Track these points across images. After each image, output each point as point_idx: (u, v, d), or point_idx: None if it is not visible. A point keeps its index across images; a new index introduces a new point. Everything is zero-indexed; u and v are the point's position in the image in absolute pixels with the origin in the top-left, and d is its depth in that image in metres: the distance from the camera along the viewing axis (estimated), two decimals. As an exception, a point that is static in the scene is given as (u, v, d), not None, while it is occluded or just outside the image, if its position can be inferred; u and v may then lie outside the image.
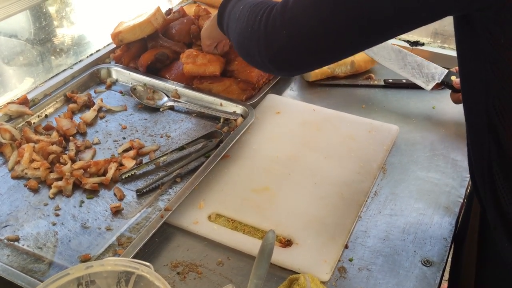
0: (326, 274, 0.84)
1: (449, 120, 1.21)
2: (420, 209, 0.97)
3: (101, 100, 1.23)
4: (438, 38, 1.45)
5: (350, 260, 0.87)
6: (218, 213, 0.96)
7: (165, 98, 1.25)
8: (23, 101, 1.15)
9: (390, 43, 1.28)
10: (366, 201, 0.99)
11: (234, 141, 1.09)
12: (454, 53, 1.40)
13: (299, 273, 0.82)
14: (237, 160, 1.09)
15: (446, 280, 2.15)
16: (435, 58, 1.42)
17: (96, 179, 1.01)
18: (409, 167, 1.07)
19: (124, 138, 1.14)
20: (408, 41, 1.46)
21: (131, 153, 1.08)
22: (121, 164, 1.05)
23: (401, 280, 0.84)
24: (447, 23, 1.42)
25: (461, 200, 0.99)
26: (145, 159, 1.08)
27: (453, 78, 1.21)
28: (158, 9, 1.34)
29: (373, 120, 1.19)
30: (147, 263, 0.71)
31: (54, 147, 1.06)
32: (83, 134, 1.15)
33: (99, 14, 1.57)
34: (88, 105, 1.22)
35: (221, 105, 1.22)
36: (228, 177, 1.04)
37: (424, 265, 0.85)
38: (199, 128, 1.18)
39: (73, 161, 1.05)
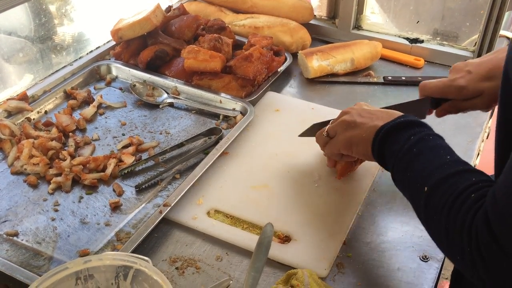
0: (325, 270, 0.84)
1: (448, 116, 1.20)
2: (418, 205, 0.97)
3: (101, 97, 1.23)
4: (437, 36, 1.45)
5: (349, 256, 0.87)
6: (217, 209, 0.96)
7: (165, 95, 1.25)
8: (23, 97, 1.16)
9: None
10: (365, 198, 0.99)
11: (234, 138, 1.10)
12: (453, 50, 1.41)
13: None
14: (236, 157, 1.09)
15: (446, 278, 2.15)
16: (434, 55, 1.42)
17: (95, 175, 1.01)
18: (408, 164, 1.07)
19: (123, 135, 1.14)
20: (407, 38, 1.46)
21: (131, 149, 1.08)
22: (120, 160, 1.05)
23: (399, 275, 0.84)
24: (448, 23, 1.42)
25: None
26: (144, 156, 1.08)
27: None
28: (158, 6, 1.34)
29: (372, 117, 1.19)
30: (145, 258, 0.71)
31: (54, 143, 1.07)
32: (83, 130, 1.15)
33: (99, 11, 1.57)
34: (87, 101, 1.22)
35: (220, 102, 1.22)
36: (227, 173, 1.05)
37: (422, 260, 0.86)
38: (198, 125, 1.18)
39: (73, 157, 1.05)
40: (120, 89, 1.30)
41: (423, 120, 0.81)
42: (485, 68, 0.92)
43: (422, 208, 0.71)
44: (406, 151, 0.75)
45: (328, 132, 0.94)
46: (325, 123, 0.99)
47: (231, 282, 0.82)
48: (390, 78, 1.35)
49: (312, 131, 1.04)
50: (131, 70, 1.32)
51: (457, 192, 0.66)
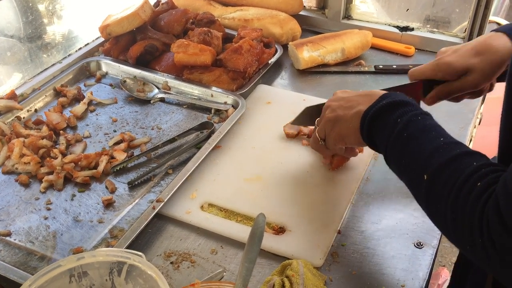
0: (320, 260, 0.84)
1: (440, 104, 1.20)
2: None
3: (91, 93, 1.22)
4: (428, 23, 1.45)
5: (343, 245, 0.87)
6: (211, 202, 0.96)
7: (156, 90, 1.25)
8: (11, 96, 1.15)
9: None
10: (358, 187, 0.99)
11: (226, 131, 1.09)
12: (443, 37, 1.41)
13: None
14: (228, 151, 1.08)
15: (443, 266, 2.16)
16: (425, 43, 1.42)
17: (87, 173, 1.01)
18: (400, 152, 1.07)
19: (115, 131, 1.13)
20: (397, 27, 1.45)
21: (122, 145, 1.07)
22: (112, 157, 1.05)
23: (393, 262, 0.84)
24: (439, 9, 1.42)
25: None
26: (136, 152, 1.07)
27: None
28: (146, 1, 1.33)
29: (364, 107, 1.19)
30: (139, 253, 0.71)
31: (44, 141, 1.06)
32: (74, 128, 1.14)
33: (87, 8, 1.55)
34: (78, 98, 1.21)
35: (212, 96, 1.21)
36: (220, 167, 1.04)
37: (416, 247, 0.86)
38: (190, 119, 1.18)
39: (64, 155, 1.05)
40: (111, 85, 1.29)
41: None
42: (471, 45, 0.91)
43: (423, 197, 0.69)
44: (396, 137, 0.74)
45: (319, 135, 0.93)
46: (319, 106, 0.96)
47: (224, 274, 0.82)
48: (381, 66, 1.35)
49: (306, 116, 1.02)
50: (121, 66, 1.31)
51: (461, 180, 0.63)
